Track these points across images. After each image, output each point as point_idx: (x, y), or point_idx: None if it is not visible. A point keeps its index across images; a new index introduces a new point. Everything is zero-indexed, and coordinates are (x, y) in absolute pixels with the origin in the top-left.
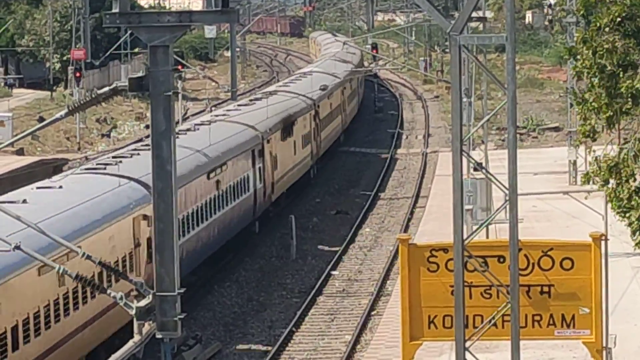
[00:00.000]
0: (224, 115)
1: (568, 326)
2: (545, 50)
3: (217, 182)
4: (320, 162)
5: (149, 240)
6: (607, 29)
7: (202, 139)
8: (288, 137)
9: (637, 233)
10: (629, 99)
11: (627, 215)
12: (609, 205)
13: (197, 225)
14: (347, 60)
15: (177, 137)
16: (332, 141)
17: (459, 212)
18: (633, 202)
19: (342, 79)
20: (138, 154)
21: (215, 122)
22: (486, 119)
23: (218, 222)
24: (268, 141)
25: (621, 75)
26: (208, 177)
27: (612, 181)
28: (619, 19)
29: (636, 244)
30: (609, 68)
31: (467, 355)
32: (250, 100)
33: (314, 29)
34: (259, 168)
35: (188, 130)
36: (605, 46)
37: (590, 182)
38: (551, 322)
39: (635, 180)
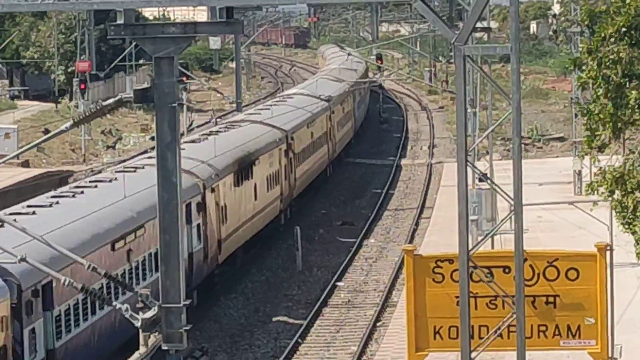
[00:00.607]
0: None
1: (574, 336)
2: (549, 61)
3: (128, 252)
4: (296, 203)
5: (198, 225)
6: (612, 39)
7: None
8: (245, 180)
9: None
10: (637, 110)
11: (632, 225)
12: (614, 215)
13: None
14: (341, 79)
15: (69, 197)
16: (312, 177)
17: (464, 222)
18: (638, 213)
19: (331, 100)
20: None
21: (133, 170)
22: (491, 130)
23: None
24: (213, 190)
25: (627, 86)
26: (112, 249)
27: (617, 192)
28: (624, 29)
29: (638, 254)
30: (614, 79)
31: None
32: (203, 134)
33: (318, 40)
34: (197, 225)
35: (92, 184)
36: (611, 56)
37: (595, 193)
38: (557, 332)
39: None
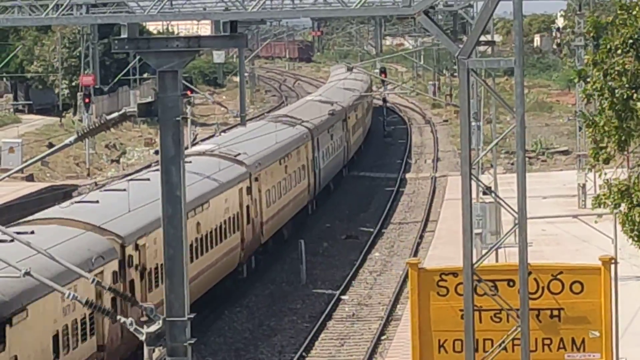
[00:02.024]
0: None
1: (578, 350)
2: (553, 74)
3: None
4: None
5: (247, 207)
6: (618, 51)
7: None
8: None
9: None
10: None
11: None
12: (620, 228)
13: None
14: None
15: None
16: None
17: (469, 236)
18: None
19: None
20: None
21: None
22: (495, 143)
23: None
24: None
25: (634, 97)
26: None
27: (623, 205)
28: (630, 41)
29: None
30: (620, 91)
31: None
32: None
33: (322, 53)
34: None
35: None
36: (616, 68)
37: (602, 206)
38: (561, 345)
39: None
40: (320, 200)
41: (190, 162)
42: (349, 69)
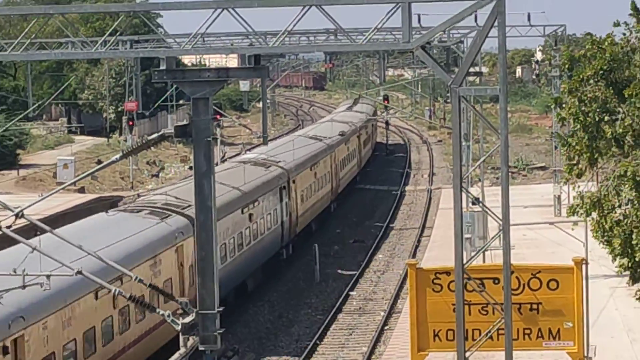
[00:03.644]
0: None
1: (554, 338)
2: (533, 100)
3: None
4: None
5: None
6: (590, 81)
7: None
8: None
9: (619, 258)
10: (612, 142)
11: (610, 243)
12: (591, 234)
13: None
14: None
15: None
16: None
17: (460, 240)
18: (615, 232)
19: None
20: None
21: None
22: (482, 160)
23: None
24: None
25: (605, 120)
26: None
27: (594, 214)
28: (601, 72)
29: (620, 267)
30: (591, 115)
31: None
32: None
33: (333, 83)
34: None
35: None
36: (589, 95)
37: (575, 214)
38: (539, 335)
39: (615, 212)
40: (297, 244)
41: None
42: (355, 101)
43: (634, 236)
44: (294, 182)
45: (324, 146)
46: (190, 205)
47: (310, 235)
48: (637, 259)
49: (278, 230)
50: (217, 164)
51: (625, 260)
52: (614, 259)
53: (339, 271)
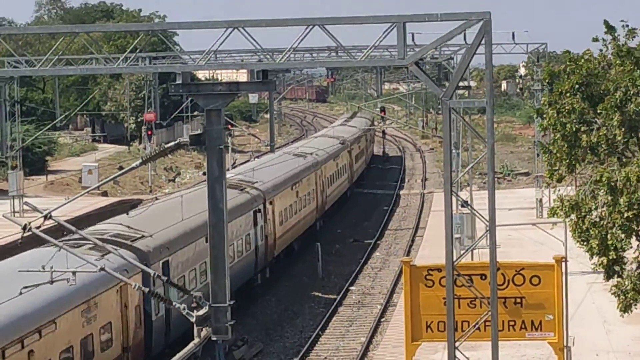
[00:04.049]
0: None
1: (536, 330)
2: (517, 112)
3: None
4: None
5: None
6: (567, 94)
7: None
8: None
9: (595, 257)
10: (589, 151)
11: (587, 243)
12: (570, 235)
13: None
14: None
15: None
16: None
17: (450, 239)
18: (591, 232)
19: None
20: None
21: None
22: (471, 166)
23: None
24: None
25: (582, 130)
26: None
27: (573, 216)
28: (577, 86)
29: (597, 265)
30: (569, 125)
31: (457, 353)
32: None
33: (335, 95)
34: None
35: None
36: (567, 107)
37: (555, 216)
38: (523, 326)
39: (592, 215)
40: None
41: None
42: (354, 114)
43: (609, 237)
44: (270, 203)
45: (307, 163)
46: (142, 237)
47: (291, 253)
48: (610, 258)
49: (251, 257)
50: (228, 170)
51: (603, 259)
52: (591, 257)
53: (340, 268)
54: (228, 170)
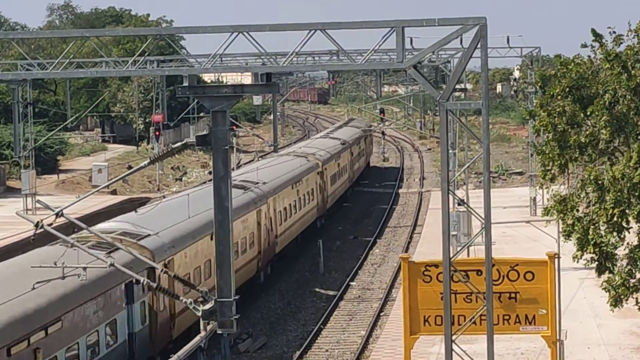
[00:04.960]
0: None
1: (530, 323)
2: (511, 113)
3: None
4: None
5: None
6: (558, 97)
7: None
8: None
9: (577, 250)
10: (577, 150)
11: (571, 237)
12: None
13: None
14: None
15: None
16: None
17: (447, 236)
18: (576, 227)
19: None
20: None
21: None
22: (467, 166)
23: None
24: None
25: (571, 132)
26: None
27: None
28: (567, 89)
29: (574, 257)
30: (560, 127)
31: (454, 346)
32: None
33: (336, 97)
34: None
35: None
36: (558, 110)
37: (549, 214)
38: (517, 320)
39: (578, 211)
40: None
41: None
42: (350, 120)
43: (590, 231)
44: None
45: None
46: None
47: (295, 249)
48: (588, 252)
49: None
50: (233, 169)
51: (579, 253)
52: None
53: (341, 263)
54: (233, 169)
